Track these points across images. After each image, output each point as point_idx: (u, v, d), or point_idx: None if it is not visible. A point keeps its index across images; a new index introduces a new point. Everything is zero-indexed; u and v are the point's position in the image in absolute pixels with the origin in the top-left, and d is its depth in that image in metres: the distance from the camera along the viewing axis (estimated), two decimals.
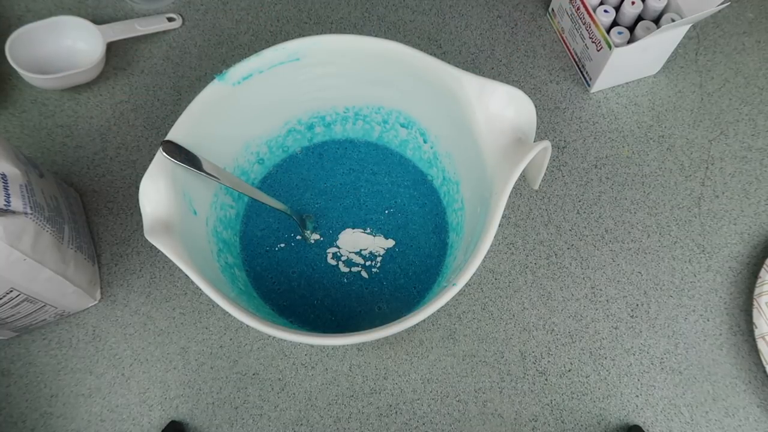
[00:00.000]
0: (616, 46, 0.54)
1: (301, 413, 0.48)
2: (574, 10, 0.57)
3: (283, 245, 0.49)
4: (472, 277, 0.36)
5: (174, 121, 0.40)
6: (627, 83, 0.60)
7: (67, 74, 0.55)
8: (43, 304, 0.45)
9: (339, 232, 0.49)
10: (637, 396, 0.48)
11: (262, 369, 0.49)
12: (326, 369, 0.49)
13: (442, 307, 0.35)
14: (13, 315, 0.44)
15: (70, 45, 0.59)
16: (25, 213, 0.41)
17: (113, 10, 0.63)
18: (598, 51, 0.56)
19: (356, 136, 0.52)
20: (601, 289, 0.52)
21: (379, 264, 0.48)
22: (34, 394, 0.48)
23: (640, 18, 0.57)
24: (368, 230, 0.49)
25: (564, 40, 0.62)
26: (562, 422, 0.47)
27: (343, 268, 0.48)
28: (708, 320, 0.51)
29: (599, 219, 0.54)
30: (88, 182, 0.55)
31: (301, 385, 0.48)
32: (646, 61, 0.58)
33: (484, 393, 0.48)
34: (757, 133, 0.58)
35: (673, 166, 0.56)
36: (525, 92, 0.39)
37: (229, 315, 0.47)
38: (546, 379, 0.49)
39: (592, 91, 0.59)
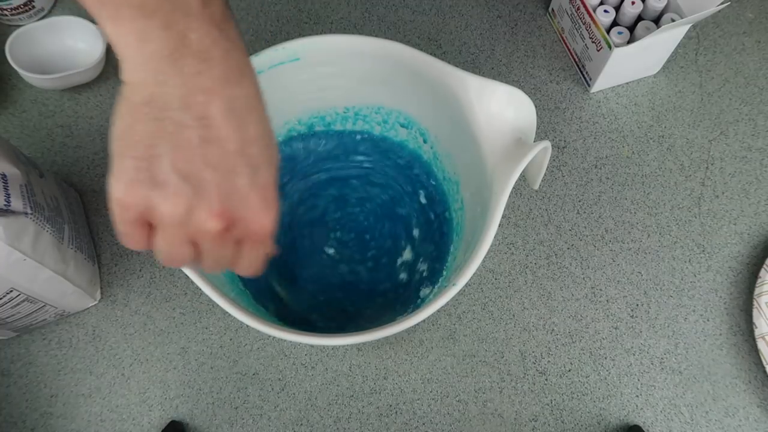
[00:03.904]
0: (616, 46, 0.54)
1: (301, 413, 0.48)
2: (574, 10, 0.57)
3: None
4: (472, 277, 0.36)
5: None
6: (627, 83, 0.60)
7: (67, 74, 0.55)
8: (43, 304, 0.45)
9: (339, 232, 0.49)
10: (637, 396, 0.48)
11: (262, 369, 0.49)
12: (326, 369, 0.49)
13: (442, 307, 0.35)
14: (13, 315, 0.44)
15: (70, 45, 0.59)
16: (25, 213, 0.41)
17: None
18: (598, 51, 0.56)
19: None
20: (601, 289, 0.52)
21: (378, 264, 0.48)
22: (34, 394, 0.48)
23: (640, 18, 0.57)
24: (369, 230, 0.49)
25: (564, 40, 0.62)
26: (562, 422, 0.47)
27: (344, 268, 0.48)
28: (708, 320, 0.51)
29: (599, 219, 0.54)
30: (88, 182, 0.55)
31: (301, 385, 0.48)
32: (646, 61, 0.58)
33: (484, 393, 0.48)
34: (757, 133, 0.58)
35: (673, 166, 0.56)
36: (525, 92, 0.39)
37: (229, 315, 0.47)
38: (546, 379, 0.49)
39: (592, 91, 0.59)
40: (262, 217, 0.27)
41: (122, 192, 0.25)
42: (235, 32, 0.27)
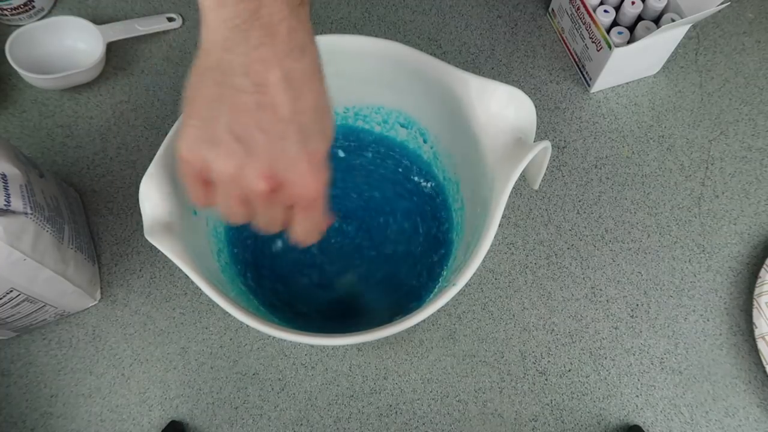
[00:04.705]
0: (616, 46, 0.54)
1: (301, 413, 0.48)
2: (574, 10, 0.58)
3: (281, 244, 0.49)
4: (472, 277, 0.36)
5: (174, 121, 0.40)
6: (627, 83, 0.60)
7: (67, 74, 0.55)
8: (43, 304, 0.45)
9: (339, 233, 0.49)
10: (637, 396, 0.48)
11: (262, 369, 0.49)
12: (326, 369, 0.49)
13: (442, 307, 0.35)
14: (13, 315, 0.44)
15: (70, 45, 0.59)
16: (25, 213, 0.41)
17: (113, 10, 0.63)
18: (598, 51, 0.56)
19: None
20: (601, 289, 0.52)
21: (378, 264, 0.48)
22: (34, 394, 0.48)
23: (640, 18, 0.57)
24: (368, 231, 0.49)
25: (564, 40, 0.62)
26: (562, 422, 0.47)
27: (344, 268, 0.48)
28: (708, 320, 0.51)
29: (599, 219, 0.54)
30: (88, 182, 0.55)
31: (301, 385, 0.48)
32: (646, 61, 0.58)
33: (484, 393, 0.48)
34: (757, 133, 0.58)
35: (673, 166, 0.56)
36: (525, 92, 0.39)
37: (229, 315, 0.47)
38: (546, 379, 0.49)
39: (592, 91, 0.59)
40: (308, 181, 0.29)
41: (184, 150, 0.29)
42: (305, 15, 0.29)
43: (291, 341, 0.45)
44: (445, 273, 0.47)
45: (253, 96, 0.27)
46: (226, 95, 0.27)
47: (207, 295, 0.35)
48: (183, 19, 0.63)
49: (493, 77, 0.43)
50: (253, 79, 0.27)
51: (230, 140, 0.28)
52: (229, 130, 0.28)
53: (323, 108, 0.30)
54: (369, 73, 0.45)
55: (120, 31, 0.59)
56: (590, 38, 0.56)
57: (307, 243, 0.32)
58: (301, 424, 0.47)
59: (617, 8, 0.56)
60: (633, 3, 0.55)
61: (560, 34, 0.62)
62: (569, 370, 0.49)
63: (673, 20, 0.55)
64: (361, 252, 0.49)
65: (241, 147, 0.28)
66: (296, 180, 0.29)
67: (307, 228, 0.31)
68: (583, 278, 0.52)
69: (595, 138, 0.58)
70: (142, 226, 0.37)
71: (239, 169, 0.28)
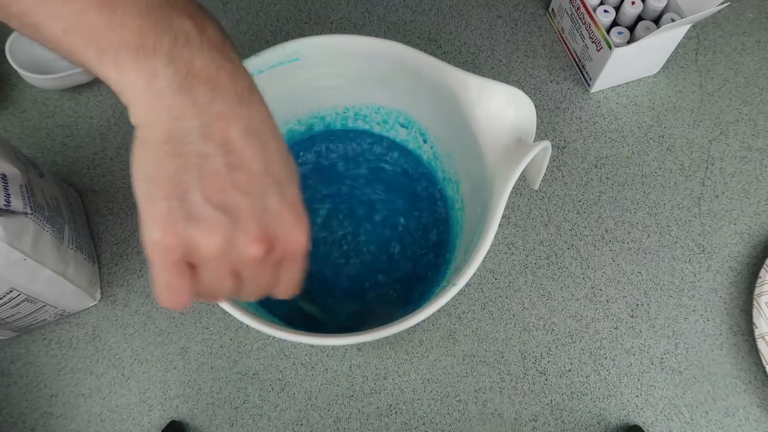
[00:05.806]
0: (616, 46, 0.54)
1: (301, 413, 0.48)
2: (574, 10, 0.57)
3: None
4: (472, 277, 0.36)
5: None
6: (627, 83, 0.60)
7: (67, 74, 0.55)
8: (43, 304, 0.45)
9: (339, 233, 0.49)
10: (637, 396, 0.48)
11: (262, 369, 0.49)
12: (326, 369, 0.49)
13: (442, 307, 0.35)
14: (13, 315, 0.44)
15: None
16: (25, 213, 0.41)
17: None
18: (598, 51, 0.56)
19: None
20: (601, 289, 0.52)
21: (378, 264, 0.48)
22: (34, 394, 0.48)
23: (640, 18, 0.57)
24: (368, 231, 0.49)
25: (564, 40, 0.62)
26: (562, 422, 0.47)
27: (343, 268, 0.48)
28: (708, 320, 0.51)
29: (599, 219, 0.54)
30: (88, 182, 0.55)
31: (301, 385, 0.48)
32: (646, 61, 0.58)
33: (484, 393, 0.48)
34: (757, 133, 0.58)
35: (673, 166, 0.56)
36: (525, 92, 0.39)
37: (229, 315, 0.47)
38: (546, 379, 0.49)
39: (592, 91, 0.59)
40: (297, 233, 0.27)
41: (160, 235, 0.25)
42: (234, 52, 0.27)
43: (291, 341, 0.45)
44: (445, 273, 0.47)
45: (220, 158, 0.25)
46: (191, 164, 0.24)
47: None
48: None
49: (493, 77, 0.43)
50: (215, 141, 0.25)
51: (211, 211, 0.25)
52: (207, 200, 0.25)
53: (285, 150, 0.28)
54: (369, 73, 0.45)
55: None
56: (590, 38, 0.56)
57: (291, 295, 0.30)
58: (301, 424, 0.47)
59: (617, 8, 0.56)
60: (633, 3, 0.55)
61: (560, 34, 0.62)
62: (569, 370, 0.49)
63: (673, 20, 0.55)
64: (362, 252, 0.49)
65: (225, 216, 0.25)
66: (286, 234, 0.27)
67: (292, 281, 0.29)
68: (583, 278, 0.52)
69: (595, 138, 0.58)
70: None
71: (229, 240, 0.25)
